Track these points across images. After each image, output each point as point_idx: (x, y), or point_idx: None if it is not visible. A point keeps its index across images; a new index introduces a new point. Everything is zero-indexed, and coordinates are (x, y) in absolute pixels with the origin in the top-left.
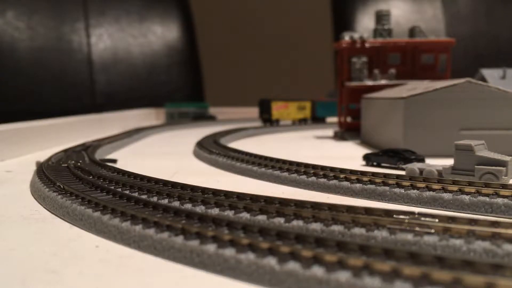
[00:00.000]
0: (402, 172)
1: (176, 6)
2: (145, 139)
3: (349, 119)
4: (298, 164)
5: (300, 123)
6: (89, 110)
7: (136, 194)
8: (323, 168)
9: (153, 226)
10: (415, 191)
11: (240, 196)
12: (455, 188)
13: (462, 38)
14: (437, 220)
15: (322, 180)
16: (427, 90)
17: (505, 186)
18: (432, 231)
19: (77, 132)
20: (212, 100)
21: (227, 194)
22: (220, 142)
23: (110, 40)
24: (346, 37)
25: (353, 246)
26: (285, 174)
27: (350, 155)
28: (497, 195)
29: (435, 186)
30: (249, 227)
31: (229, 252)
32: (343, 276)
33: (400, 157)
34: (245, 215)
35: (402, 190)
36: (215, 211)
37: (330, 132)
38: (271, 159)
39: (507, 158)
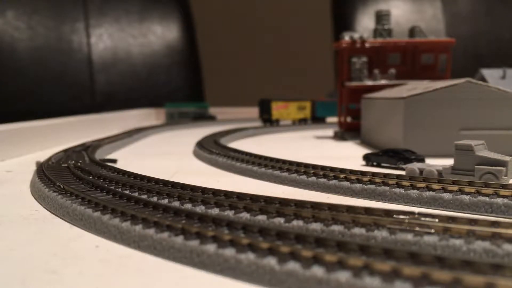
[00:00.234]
0: (402, 172)
1: (176, 6)
2: (145, 139)
3: (349, 119)
4: (298, 164)
5: (300, 123)
6: (89, 110)
7: (136, 194)
8: (323, 168)
9: (153, 226)
10: (415, 191)
11: (240, 196)
12: (455, 188)
13: (462, 38)
14: (437, 220)
15: (322, 180)
16: (427, 90)
17: (505, 186)
18: (432, 231)
19: (77, 132)
20: (212, 100)
21: (227, 194)
22: (220, 142)
23: (110, 40)
24: (346, 37)
25: (353, 246)
26: (285, 174)
27: (350, 155)
28: (497, 195)
29: (435, 186)
30: (249, 227)
31: (229, 252)
32: (343, 276)
33: (400, 157)
34: (245, 215)
35: (402, 190)
36: (215, 211)
37: (330, 132)
38: (271, 159)
39: (507, 158)
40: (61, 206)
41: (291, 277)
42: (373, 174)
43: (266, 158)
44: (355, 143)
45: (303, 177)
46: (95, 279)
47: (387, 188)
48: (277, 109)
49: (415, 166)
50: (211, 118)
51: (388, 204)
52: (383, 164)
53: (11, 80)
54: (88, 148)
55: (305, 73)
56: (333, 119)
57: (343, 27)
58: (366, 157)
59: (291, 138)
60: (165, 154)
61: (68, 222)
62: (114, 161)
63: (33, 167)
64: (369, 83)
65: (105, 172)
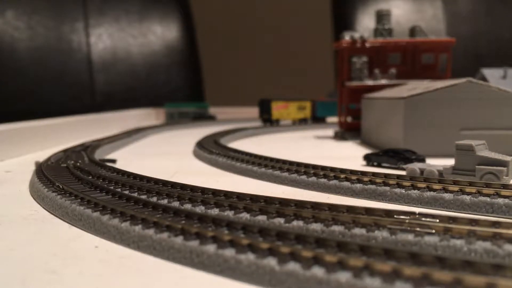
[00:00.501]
0: (403, 172)
1: (176, 6)
2: (145, 139)
3: (349, 119)
4: (298, 164)
5: (300, 123)
6: (89, 110)
7: (135, 194)
8: (323, 168)
9: (153, 226)
10: (415, 191)
11: (240, 196)
12: (456, 188)
13: (462, 38)
14: (437, 221)
15: (323, 180)
16: (428, 90)
17: (506, 186)
18: (433, 231)
19: (77, 132)
20: (212, 100)
21: (227, 194)
22: (220, 142)
23: (109, 40)
24: (347, 37)
25: (353, 246)
26: (285, 174)
27: (350, 155)
28: (498, 195)
29: (435, 186)
30: (249, 227)
31: (229, 252)
32: (344, 276)
33: (400, 157)
34: (245, 215)
35: (403, 190)
36: (215, 211)
37: (330, 132)
38: (271, 159)
39: (508, 158)
40: (60, 206)
41: (291, 278)
42: (374, 174)
43: (266, 158)
44: (356, 143)
45: (303, 177)
46: (95, 279)
47: (387, 188)
48: (277, 109)
49: (416, 166)
50: (211, 118)
51: (389, 204)
52: (383, 164)
53: (11, 80)
54: (88, 148)
55: (305, 73)
56: (333, 119)
57: (343, 27)
58: (367, 157)
59: (291, 138)
60: (165, 154)
61: (67, 222)
62: (114, 161)
63: (33, 167)
64: (370, 83)
65: (105, 172)
